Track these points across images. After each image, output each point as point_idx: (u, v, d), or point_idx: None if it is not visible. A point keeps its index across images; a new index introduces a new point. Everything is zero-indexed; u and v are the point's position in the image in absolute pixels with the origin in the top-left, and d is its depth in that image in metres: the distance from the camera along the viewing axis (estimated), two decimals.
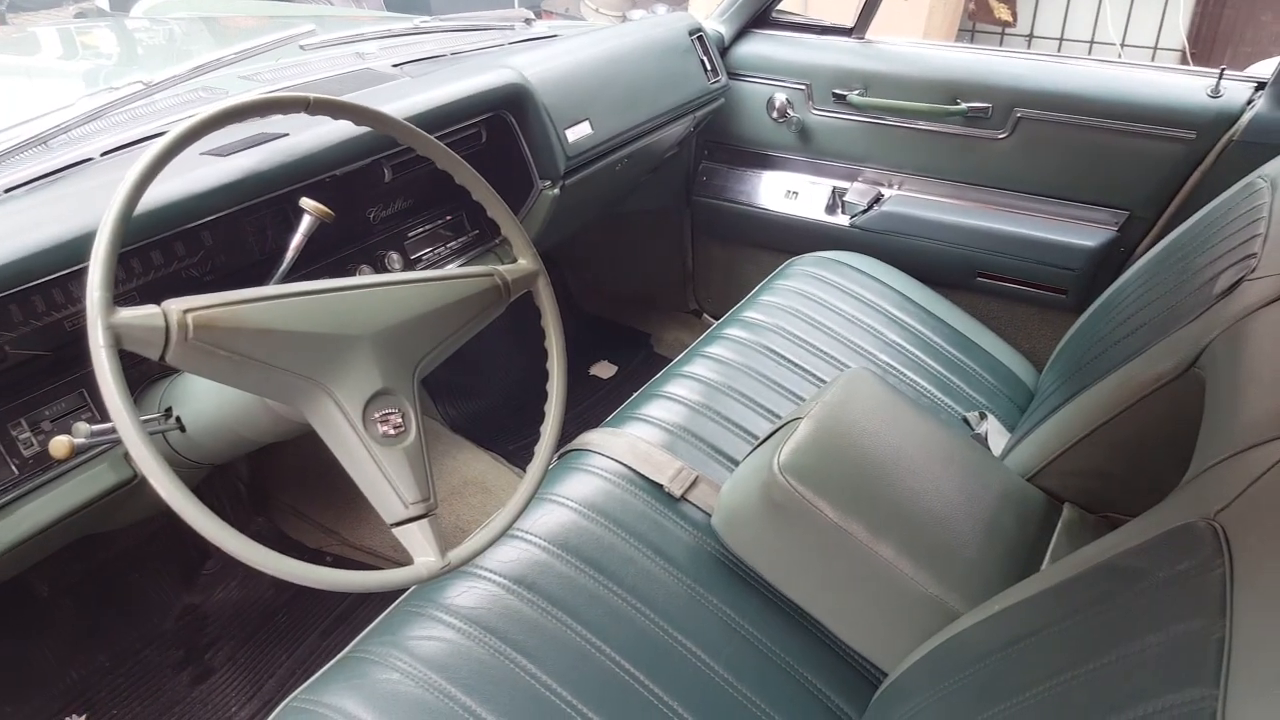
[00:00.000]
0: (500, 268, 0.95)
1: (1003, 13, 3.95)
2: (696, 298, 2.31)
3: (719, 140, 2.04)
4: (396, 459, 0.82)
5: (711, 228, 2.15)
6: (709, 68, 1.84)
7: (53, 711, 1.35)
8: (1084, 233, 1.68)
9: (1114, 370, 1.13)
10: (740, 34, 1.97)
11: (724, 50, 1.95)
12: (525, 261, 0.98)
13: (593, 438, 1.27)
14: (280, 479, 1.70)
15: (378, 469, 0.81)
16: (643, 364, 2.25)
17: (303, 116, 1.17)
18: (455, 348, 0.91)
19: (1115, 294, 1.43)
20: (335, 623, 1.54)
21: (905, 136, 1.83)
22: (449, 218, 1.48)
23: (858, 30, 1.89)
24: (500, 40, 1.69)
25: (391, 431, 0.82)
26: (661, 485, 1.20)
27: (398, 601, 1.05)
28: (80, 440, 0.89)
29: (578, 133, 1.47)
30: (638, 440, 1.26)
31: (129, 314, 0.69)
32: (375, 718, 0.89)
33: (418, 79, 1.38)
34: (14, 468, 0.96)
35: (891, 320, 1.64)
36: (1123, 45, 3.94)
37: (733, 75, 1.94)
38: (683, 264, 2.25)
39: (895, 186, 1.89)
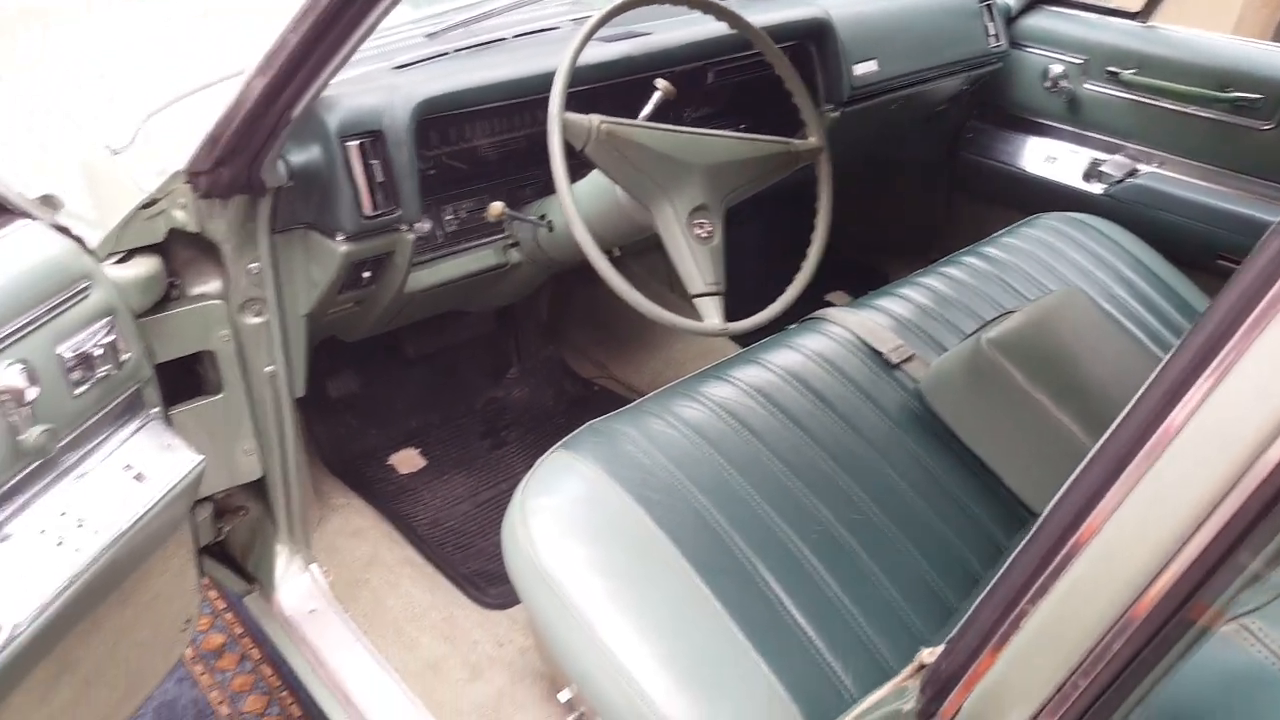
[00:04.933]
0: (794, 140, 1.28)
1: None
2: (941, 247, 2.52)
3: (991, 102, 2.24)
4: (703, 253, 1.17)
5: (967, 183, 2.36)
6: (992, 33, 2.05)
7: (398, 441, 1.86)
8: None
9: None
10: (1028, 8, 2.15)
11: (1010, 20, 2.14)
12: (814, 139, 1.30)
13: (831, 311, 1.57)
14: (571, 320, 2.14)
15: (691, 256, 1.16)
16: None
17: (663, 20, 1.54)
18: (753, 191, 1.26)
19: None
20: None
21: (1170, 117, 1.95)
22: (742, 126, 1.82)
23: (1143, 15, 2.02)
24: None
25: (704, 235, 1.18)
26: (881, 353, 1.48)
27: (667, 385, 1.41)
28: (507, 212, 1.31)
29: (865, 68, 1.76)
30: (867, 319, 1.54)
31: (571, 115, 1.09)
32: (647, 443, 1.25)
33: (740, 9, 1.72)
34: (438, 236, 1.42)
35: (1121, 279, 1.81)
36: None
37: (1014, 44, 2.13)
38: (932, 214, 2.48)
39: (1153, 164, 2.02)
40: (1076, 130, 2.11)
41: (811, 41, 1.72)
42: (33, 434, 0.88)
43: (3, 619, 0.84)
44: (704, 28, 1.51)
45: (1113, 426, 0.45)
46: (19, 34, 1.63)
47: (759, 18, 1.61)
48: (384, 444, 1.84)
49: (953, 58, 1.94)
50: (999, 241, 1.84)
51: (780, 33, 1.64)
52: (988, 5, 2.03)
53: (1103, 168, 2.05)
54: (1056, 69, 2.08)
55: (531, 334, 2.09)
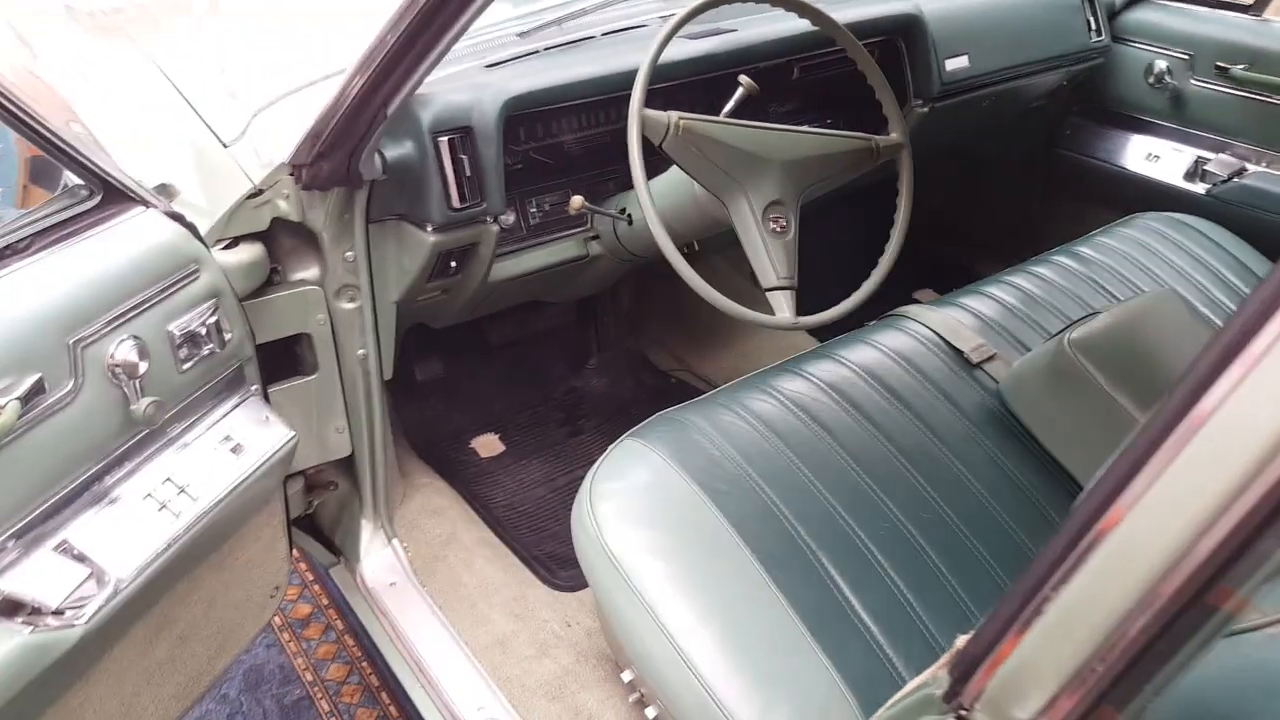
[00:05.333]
0: (875, 137, 1.27)
1: None
2: (1035, 246, 2.46)
3: (1091, 98, 2.17)
4: (778, 247, 1.18)
5: (1064, 180, 2.29)
6: (1093, 27, 1.98)
7: (480, 426, 1.93)
8: None
9: None
10: (1133, 1, 2.08)
11: (1114, 14, 2.07)
12: (896, 135, 1.29)
13: (913, 308, 1.56)
14: (651, 313, 2.17)
15: (765, 251, 1.18)
16: None
17: (748, 17, 1.55)
18: (832, 187, 1.26)
19: None
20: None
21: None
22: (829, 122, 1.81)
23: (1256, 8, 1.93)
24: None
25: (778, 229, 1.19)
26: (962, 352, 1.46)
27: (743, 378, 1.42)
28: (586, 205, 1.35)
29: (956, 63, 1.73)
30: (949, 316, 1.52)
31: (650, 111, 1.11)
32: (716, 435, 1.26)
33: (830, 5, 1.71)
34: (523, 228, 1.46)
35: (1221, 281, 1.73)
36: None
37: (1116, 39, 2.06)
38: (1028, 212, 2.41)
39: (1262, 163, 1.93)
40: (1180, 128, 2.03)
41: (901, 37, 1.70)
42: (142, 405, 0.96)
43: (109, 574, 0.92)
44: (789, 24, 1.52)
45: (1147, 416, 0.45)
46: (155, 27, 1.75)
47: (849, 13, 1.61)
48: (466, 428, 1.91)
49: (1049, 53, 1.89)
50: (1093, 241, 1.79)
51: (870, 28, 1.63)
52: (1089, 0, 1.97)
53: (1207, 167, 1.97)
54: (1160, 64, 2.00)
55: (612, 326, 2.13)
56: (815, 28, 1.35)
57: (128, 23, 1.80)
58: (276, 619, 1.79)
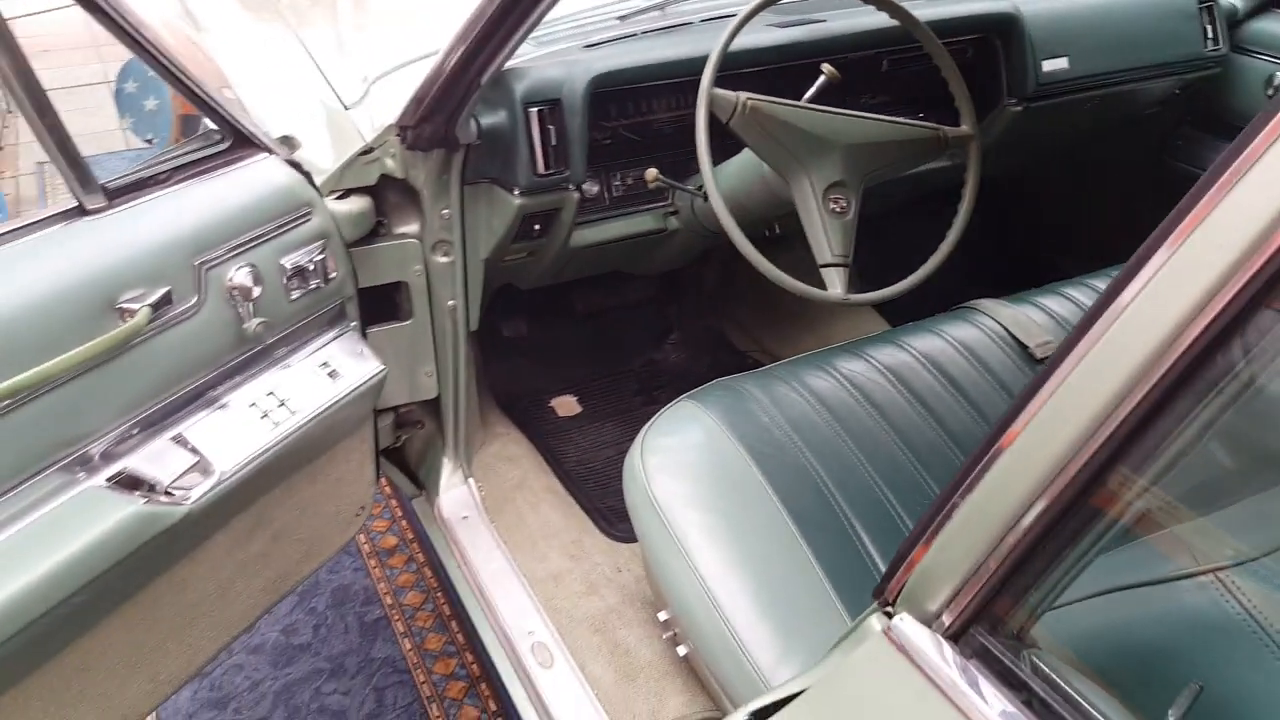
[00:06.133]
0: (944, 127, 1.31)
1: None
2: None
3: (1207, 109, 2.10)
4: (836, 226, 1.24)
5: (1175, 192, 2.22)
6: (1210, 36, 1.93)
7: (560, 386, 2.06)
8: None
9: None
10: (1257, 10, 2.01)
11: (1235, 23, 2.01)
12: (966, 127, 1.33)
13: (984, 302, 1.58)
14: (735, 295, 2.25)
15: (822, 228, 1.24)
16: None
17: (843, 10, 1.60)
18: (897, 174, 1.30)
19: None
20: None
21: None
22: (921, 116, 1.83)
23: None
24: None
25: (838, 209, 1.25)
26: (1028, 347, 1.48)
27: (804, 354, 1.48)
28: (660, 179, 1.43)
29: (1054, 65, 1.73)
30: (1020, 313, 1.54)
31: (719, 91, 1.19)
32: (769, 404, 1.33)
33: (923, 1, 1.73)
34: (606, 199, 1.56)
35: None
36: None
37: (1237, 48, 2.00)
38: (1133, 222, 2.35)
39: None
40: None
41: (997, 35, 1.71)
42: (253, 324, 1.10)
43: (214, 466, 1.07)
44: (878, 17, 1.55)
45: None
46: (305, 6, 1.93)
47: (943, 10, 1.63)
48: (547, 387, 2.03)
49: (1157, 59, 1.85)
50: None
51: (962, 25, 1.65)
52: (1207, 7, 1.92)
53: None
54: None
55: (694, 304, 2.21)
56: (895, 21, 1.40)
57: None
58: (365, 546, 1.96)
